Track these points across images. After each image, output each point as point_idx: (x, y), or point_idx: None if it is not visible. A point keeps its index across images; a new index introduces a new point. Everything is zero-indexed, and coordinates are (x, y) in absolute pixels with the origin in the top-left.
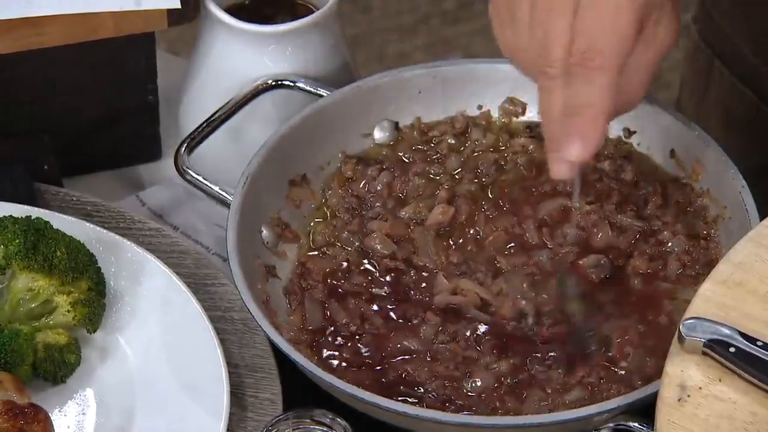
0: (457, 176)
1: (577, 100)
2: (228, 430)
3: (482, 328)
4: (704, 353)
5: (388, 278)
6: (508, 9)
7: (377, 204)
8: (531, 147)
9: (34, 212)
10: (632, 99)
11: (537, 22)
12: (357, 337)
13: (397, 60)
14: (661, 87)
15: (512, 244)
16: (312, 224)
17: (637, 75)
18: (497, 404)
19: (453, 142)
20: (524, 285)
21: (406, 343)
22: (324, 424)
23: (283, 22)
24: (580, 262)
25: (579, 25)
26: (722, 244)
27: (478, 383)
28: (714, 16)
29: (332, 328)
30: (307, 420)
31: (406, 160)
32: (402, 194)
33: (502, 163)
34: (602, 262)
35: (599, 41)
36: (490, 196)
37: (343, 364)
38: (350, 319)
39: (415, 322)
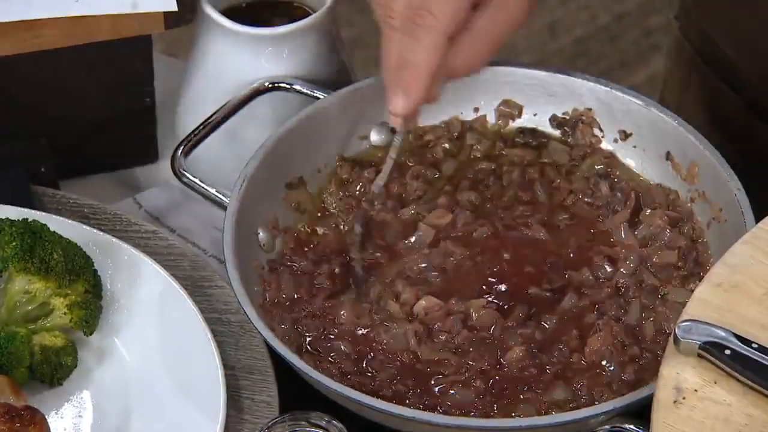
0: (454, 182)
1: (405, 54)
2: None
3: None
4: (700, 355)
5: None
6: None
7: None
8: (527, 159)
9: (31, 215)
10: (467, 65)
11: None
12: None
13: None
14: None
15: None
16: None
17: (477, 43)
18: (489, 407)
19: (448, 146)
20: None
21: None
22: (320, 427)
23: (280, 24)
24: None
25: None
26: (712, 248)
27: (467, 387)
28: (694, 15)
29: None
30: (303, 422)
31: (402, 163)
32: (400, 196)
33: (500, 175)
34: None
35: (433, 2)
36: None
37: (341, 366)
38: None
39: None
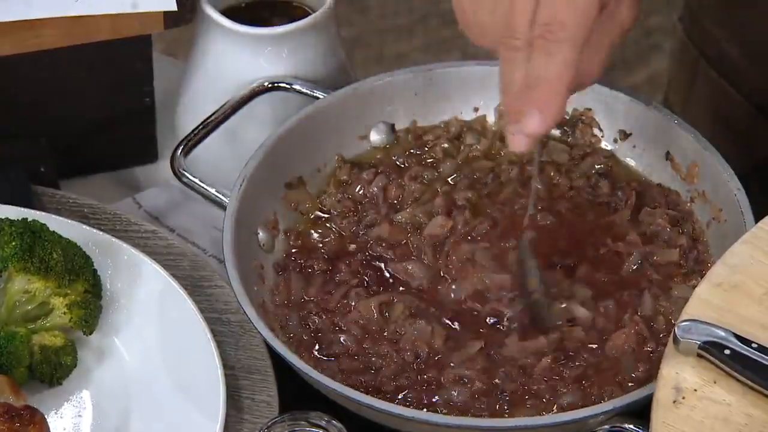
0: (452, 182)
1: (538, 72)
2: None
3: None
4: (699, 355)
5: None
6: None
7: (371, 210)
8: (526, 157)
9: (31, 214)
10: (589, 76)
11: None
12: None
13: (395, 61)
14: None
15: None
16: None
17: (596, 52)
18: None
19: (447, 146)
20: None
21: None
22: (320, 426)
23: (279, 24)
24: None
25: None
26: (712, 247)
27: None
28: (699, 17)
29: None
30: (303, 422)
31: (401, 165)
32: (398, 198)
33: (498, 173)
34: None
35: (562, 14)
36: (488, 210)
37: (342, 367)
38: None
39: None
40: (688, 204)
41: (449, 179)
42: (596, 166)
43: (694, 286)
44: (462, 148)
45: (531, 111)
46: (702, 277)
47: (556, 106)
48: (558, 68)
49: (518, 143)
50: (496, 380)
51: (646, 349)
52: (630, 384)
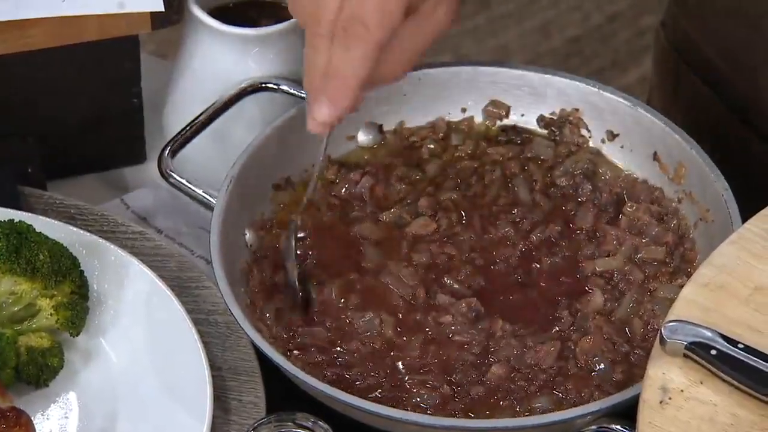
0: (438, 181)
1: (334, 64)
2: None
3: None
4: (686, 356)
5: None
6: None
7: (357, 207)
8: (509, 155)
9: (18, 215)
10: (391, 75)
11: None
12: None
13: None
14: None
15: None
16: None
17: (404, 50)
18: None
19: (433, 147)
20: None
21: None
22: (306, 428)
23: (267, 25)
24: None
25: None
26: (699, 248)
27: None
28: (680, 23)
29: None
30: (290, 423)
31: (389, 164)
32: (385, 198)
33: (482, 174)
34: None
35: (365, 12)
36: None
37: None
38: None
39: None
40: (675, 203)
41: (435, 178)
42: (579, 164)
43: (681, 285)
44: (448, 149)
45: (322, 99)
46: (688, 273)
47: (346, 99)
48: (352, 64)
49: (312, 126)
50: (452, 378)
51: (622, 351)
52: (609, 387)
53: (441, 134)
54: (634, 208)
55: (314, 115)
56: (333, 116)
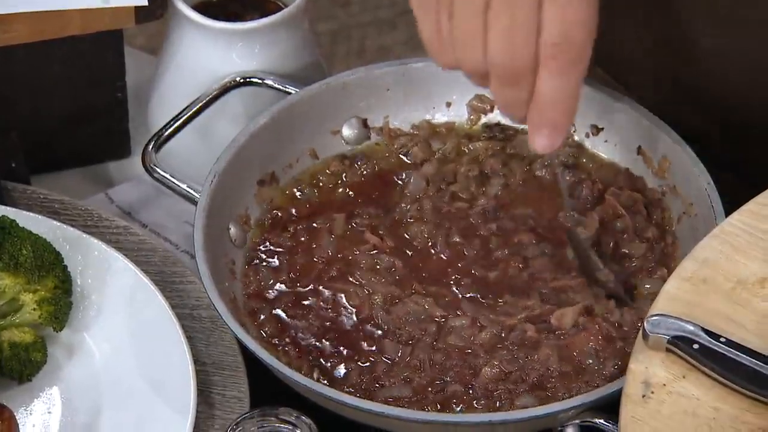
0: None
1: (552, 94)
2: (195, 427)
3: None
4: (668, 350)
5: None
6: None
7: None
8: (491, 150)
9: (0, 210)
10: None
11: (496, 9)
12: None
13: (376, 54)
14: None
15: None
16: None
17: None
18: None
19: (420, 152)
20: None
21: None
22: (289, 422)
23: (251, 19)
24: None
25: (548, 14)
26: (683, 243)
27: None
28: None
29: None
30: (273, 418)
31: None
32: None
33: (466, 173)
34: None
35: (572, 32)
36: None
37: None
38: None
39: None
40: (659, 196)
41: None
42: (561, 158)
43: (660, 278)
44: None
45: (544, 132)
46: (669, 267)
47: (569, 121)
48: (572, 88)
49: (539, 148)
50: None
51: (617, 345)
52: (601, 381)
53: (425, 136)
54: (617, 194)
55: (537, 145)
56: (559, 140)
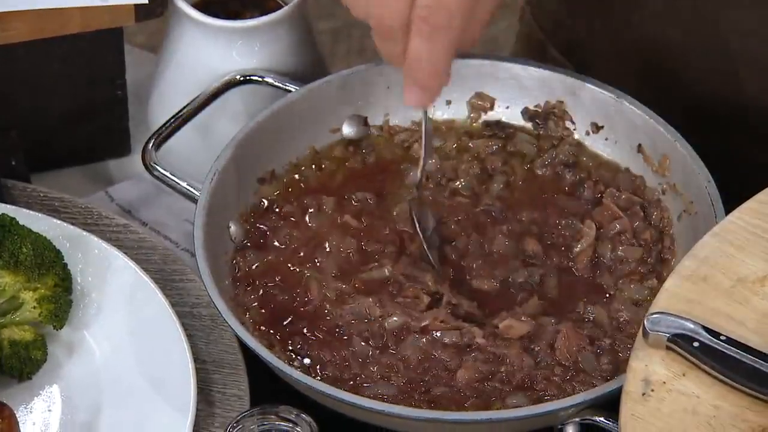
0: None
1: (420, 54)
2: (195, 426)
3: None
4: (668, 348)
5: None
6: None
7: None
8: (492, 148)
9: (0, 208)
10: (471, 42)
11: None
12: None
13: (377, 53)
14: None
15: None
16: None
17: (476, 22)
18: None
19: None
20: None
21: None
22: (289, 420)
23: (251, 17)
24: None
25: None
26: (683, 241)
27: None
28: (544, 1)
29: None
30: (273, 416)
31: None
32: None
33: (467, 170)
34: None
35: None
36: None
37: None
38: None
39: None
40: (658, 194)
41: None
42: (561, 157)
43: (649, 287)
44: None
45: (412, 87)
46: (660, 276)
47: (437, 83)
48: (439, 53)
49: (408, 101)
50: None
51: (603, 345)
52: (598, 378)
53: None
54: (615, 196)
55: (408, 101)
56: (429, 100)
